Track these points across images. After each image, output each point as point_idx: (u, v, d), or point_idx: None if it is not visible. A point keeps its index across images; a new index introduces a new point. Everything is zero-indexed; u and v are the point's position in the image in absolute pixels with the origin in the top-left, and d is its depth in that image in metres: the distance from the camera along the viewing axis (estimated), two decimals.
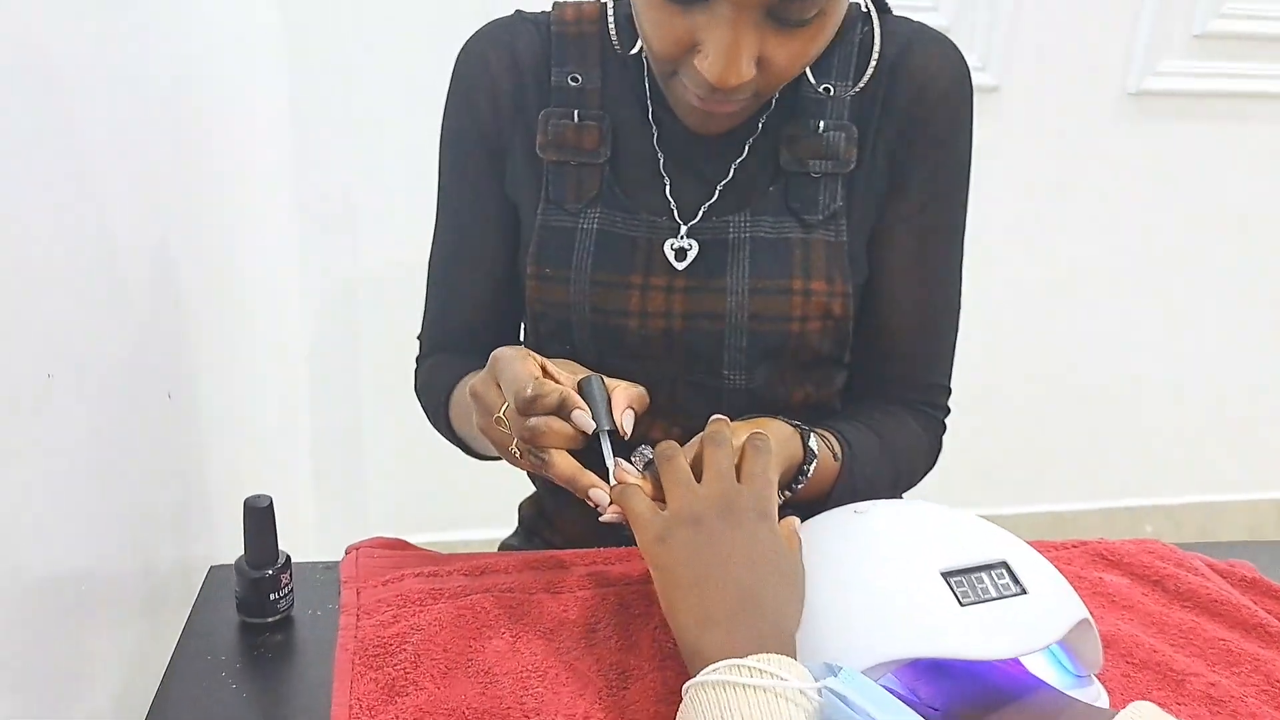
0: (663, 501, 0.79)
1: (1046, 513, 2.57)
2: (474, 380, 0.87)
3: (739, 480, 0.79)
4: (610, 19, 0.97)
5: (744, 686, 0.64)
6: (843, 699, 0.63)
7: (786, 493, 0.93)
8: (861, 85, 0.96)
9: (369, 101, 1.96)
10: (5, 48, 0.72)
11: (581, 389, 0.84)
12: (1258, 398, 2.60)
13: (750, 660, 0.66)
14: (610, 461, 0.83)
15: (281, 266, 1.87)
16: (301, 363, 2.03)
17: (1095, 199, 2.34)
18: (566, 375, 0.85)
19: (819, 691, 0.64)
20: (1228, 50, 2.25)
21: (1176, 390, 2.56)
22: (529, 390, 0.79)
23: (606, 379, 0.86)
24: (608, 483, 0.82)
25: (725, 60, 0.82)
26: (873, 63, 0.96)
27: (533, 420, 0.80)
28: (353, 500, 2.20)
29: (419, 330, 1.14)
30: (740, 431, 0.85)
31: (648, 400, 0.88)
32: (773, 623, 0.71)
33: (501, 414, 0.83)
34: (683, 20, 0.83)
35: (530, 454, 0.82)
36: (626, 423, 0.84)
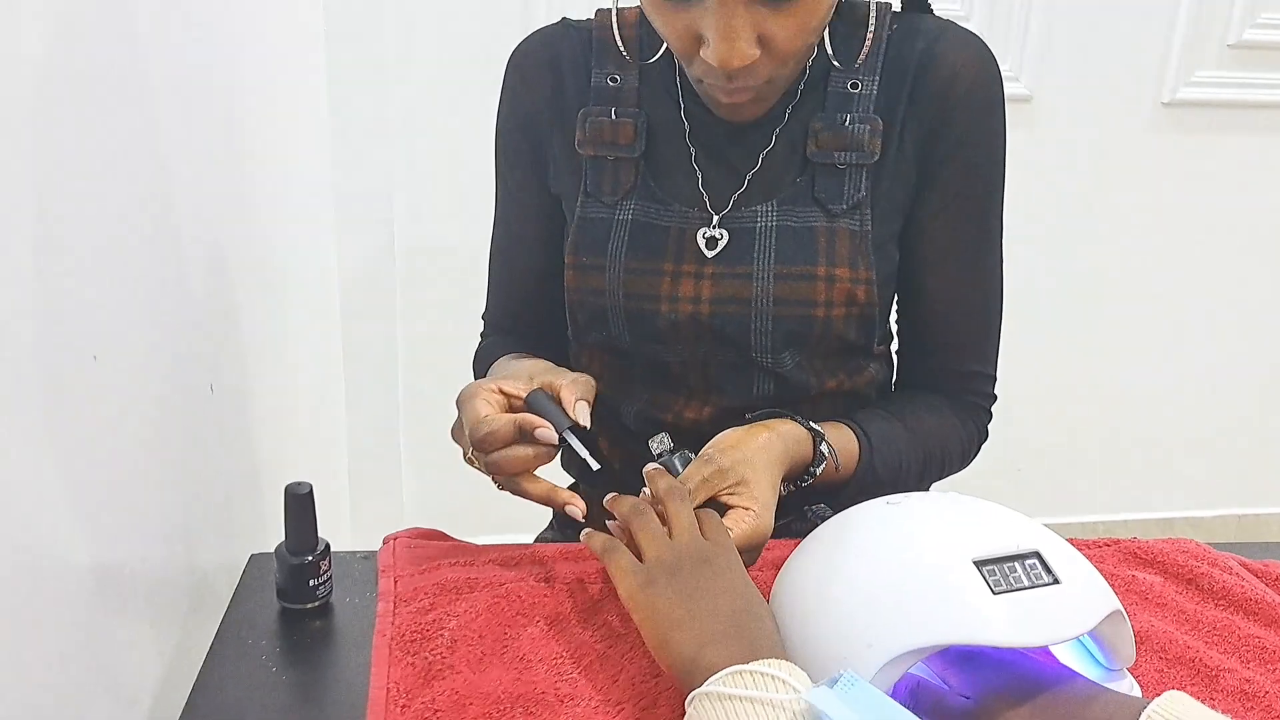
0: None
1: (1076, 523, 2.55)
2: (452, 426, 0.93)
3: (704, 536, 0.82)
4: (615, 31, 1.00)
5: (744, 700, 0.65)
6: (821, 714, 0.63)
7: (791, 486, 0.97)
8: (861, 59, 0.98)
9: (406, 104, 1.99)
10: (92, 62, 0.78)
11: (529, 404, 0.89)
12: None
13: (754, 665, 0.67)
14: (584, 454, 0.88)
15: (320, 264, 1.90)
16: (338, 361, 2.06)
17: (1128, 210, 2.33)
18: (522, 387, 0.90)
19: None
20: (1262, 60, 2.24)
21: (1209, 401, 2.54)
22: (480, 432, 0.86)
23: (552, 380, 0.90)
24: (591, 471, 0.89)
25: (725, 45, 0.86)
26: (868, 39, 0.97)
27: (492, 456, 0.86)
28: (387, 501, 2.22)
29: (482, 311, 1.20)
30: (719, 462, 0.88)
31: (594, 385, 0.92)
32: (764, 639, 0.72)
33: (469, 455, 0.89)
34: (683, 16, 0.87)
35: (505, 483, 0.89)
36: (580, 415, 0.89)
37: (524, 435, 0.86)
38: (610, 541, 0.83)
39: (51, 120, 0.71)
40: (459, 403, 0.91)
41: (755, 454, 0.91)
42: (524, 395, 0.90)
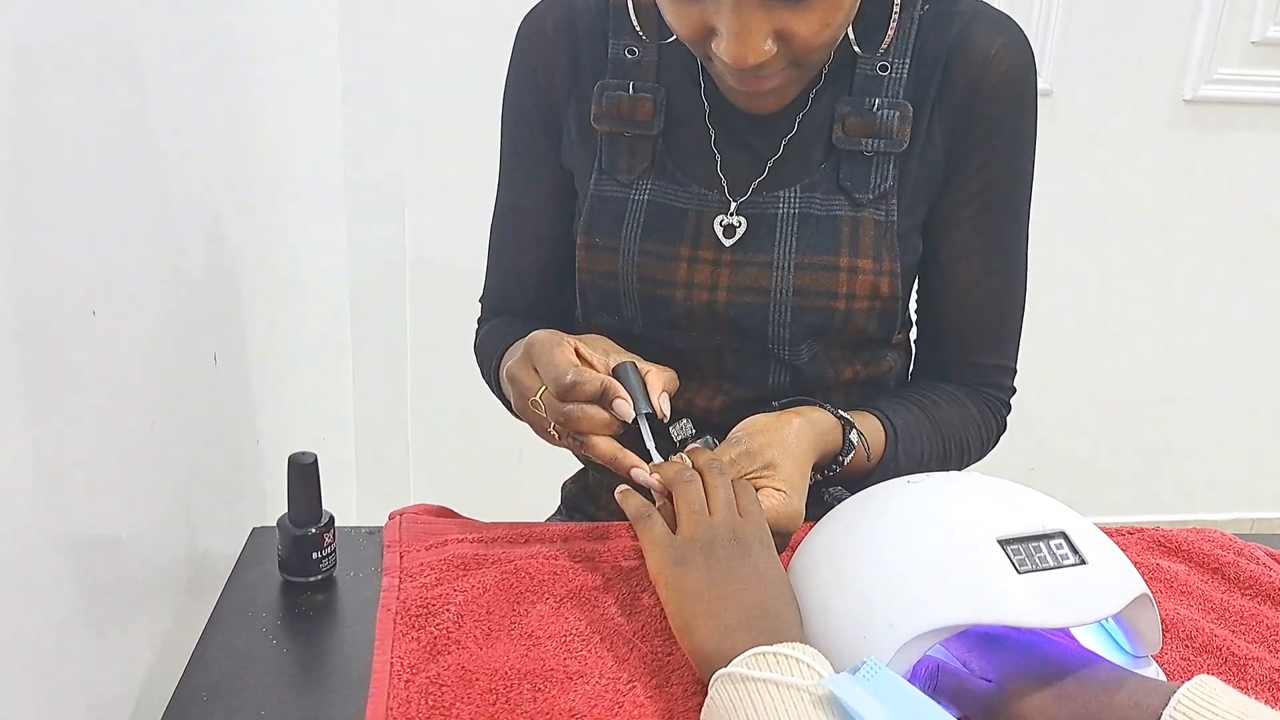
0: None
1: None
2: (511, 363, 0.89)
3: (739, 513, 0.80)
4: (632, 11, 0.96)
5: (766, 683, 0.64)
6: (840, 702, 0.61)
7: (818, 475, 0.94)
8: (886, 42, 0.94)
9: (419, 87, 1.97)
10: (96, 41, 0.77)
11: (617, 375, 0.86)
12: None
13: (778, 648, 0.65)
14: (649, 442, 0.86)
15: (329, 238, 1.89)
16: (346, 339, 2.05)
17: (1149, 207, 2.30)
18: (599, 358, 0.88)
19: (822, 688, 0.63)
20: None
21: (1229, 403, 2.51)
22: (569, 378, 0.83)
23: (639, 362, 0.88)
24: (648, 462, 0.85)
25: (738, 43, 0.82)
26: (893, 19, 0.94)
27: (569, 406, 0.83)
28: (393, 482, 2.21)
29: (480, 294, 1.15)
30: (756, 437, 0.88)
31: (678, 382, 0.90)
32: (789, 630, 0.71)
33: (538, 398, 0.85)
34: (695, 9, 0.83)
35: (568, 436, 0.85)
36: (663, 406, 0.87)
37: (601, 399, 0.84)
38: (645, 507, 0.81)
39: (63, 102, 0.70)
40: (531, 345, 0.87)
41: (786, 438, 0.89)
42: (604, 362, 0.88)
